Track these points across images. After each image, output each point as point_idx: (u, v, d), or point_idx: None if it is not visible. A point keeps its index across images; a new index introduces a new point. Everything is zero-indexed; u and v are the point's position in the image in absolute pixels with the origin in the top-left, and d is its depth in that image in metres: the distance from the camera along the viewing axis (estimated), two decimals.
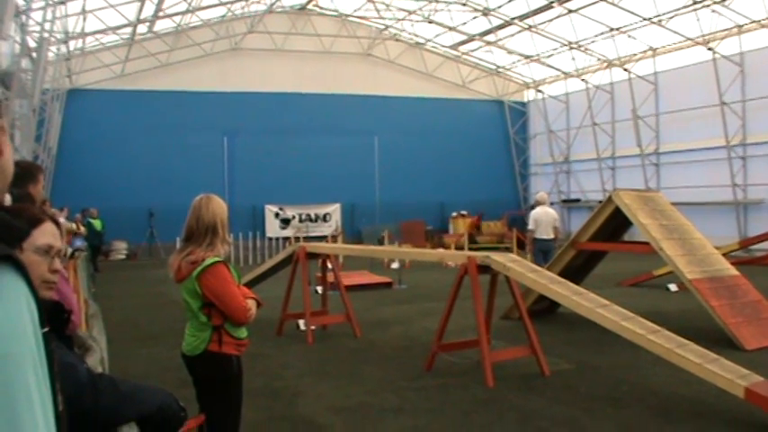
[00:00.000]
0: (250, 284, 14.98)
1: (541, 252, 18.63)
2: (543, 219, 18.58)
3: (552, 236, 18.56)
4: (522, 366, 10.36)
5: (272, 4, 36.94)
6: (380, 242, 31.42)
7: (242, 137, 38.01)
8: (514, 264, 10.06)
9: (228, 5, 34.61)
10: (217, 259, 5.30)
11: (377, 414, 8.49)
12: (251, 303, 5.40)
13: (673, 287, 18.70)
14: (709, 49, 30.63)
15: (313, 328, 13.14)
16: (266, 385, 9.77)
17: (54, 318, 2.91)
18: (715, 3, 28.49)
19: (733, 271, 13.38)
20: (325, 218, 39.42)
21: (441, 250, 12.52)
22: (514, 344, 11.44)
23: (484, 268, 10.14)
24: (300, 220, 38.86)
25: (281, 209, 38.58)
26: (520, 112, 45.02)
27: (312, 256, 13.75)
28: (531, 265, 10.51)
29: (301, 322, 13.45)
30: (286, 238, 35.28)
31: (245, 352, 5.55)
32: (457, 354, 10.76)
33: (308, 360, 11.48)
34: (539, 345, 10.28)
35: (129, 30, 34.29)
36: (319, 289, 15.94)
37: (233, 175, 37.82)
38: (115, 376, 2.92)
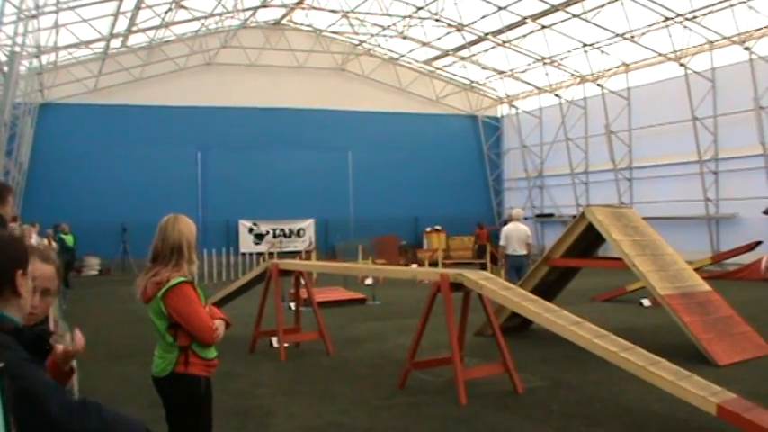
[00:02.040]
0: (223, 301, 14.98)
1: (514, 268, 18.64)
2: (515, 234, 18.58)
3: (525, 251, 18.56)
4: (496, 384, 10.33)
5: (246, 20, 36.91)
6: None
7: (216, 152, 37.86)
8: (487, 281, 10.06)
9: (202, 21, 34.51)
10: (182, 279, 5.25)
11: None
12: (218, 324, 5.35)
13: (646, 302, 18.78)
14: (681, 64, 30.81)
15: (286, 345, 13.05)
16: (238, 404, 9.68)
17: (36, 347, 2.91)
18: (687, 19, 28.66)
19: (705, 287, 13.44)
20: (299, 233, 39.33)
21: (414, 267, 12.49)
22: (488, 361, 11.43)
23: (457, 285, 10.12)
24: (274, 236, 38.72)
25: (254, 224, 38.46)
26: (493, 127, 45.10)
27: (285, 272, 13.67)
28: (503, 283, 10.50)
29: (274, 339, 13.39)
30: (260, 254, 35.16)
31: (214, 372, 5.49)
32: (430, 371, 10.72)
33: (281, 378, 11.40)
34: (512, 362, 10.26)
35: (102, 44, 34.17)
36: (292, 305, 15.87)
37: (206, 190, 37.66)
38: (99, 403, 2.88)
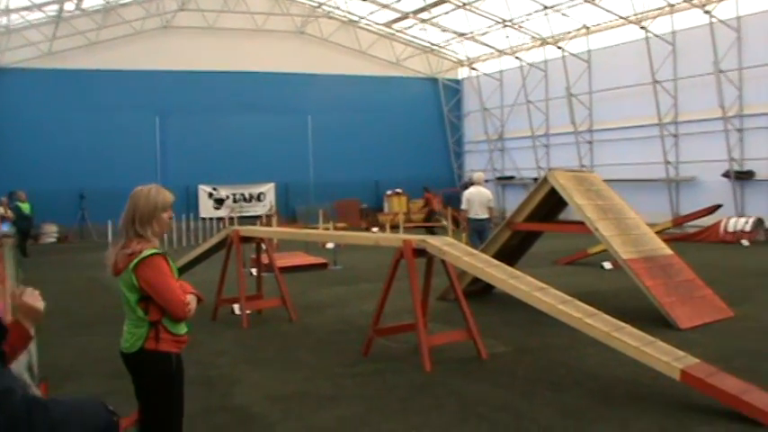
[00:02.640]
0: (183, 269, 14.81)
1: (476, 232, 18.67)
2: (476, 198, 18.59)
3: (486, 215, 18.60)
4: (460, 349, 10.31)
5: None
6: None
7: (174, 116, 37.50)
8: (450, 247, 9.99)
9: None
10: (154, 251, 5.11)
11: (314, 403, 8.37)
12: (191, 298, 5.24)
13: (607, 265, 18.90)
14: (642, 27, 30.80)
15: (248, 312, 12.95)
16: (201, 374, 9.58)
17: None
18: None
19: (667, 250, 13.50)
20: (259, 197, 39.11)
21: (377, 234, 12.40)
22: (451, 326, 11.41)
23: (420, 252, 10.06)
24: (234, 200, 38.51)
25: (214, 189, 38.18)
26: (454, 89, 45.02)
27: (247, 239, 13.55)
28: (467, 249, 10.43)
29: (236, 307, 13.29)
30: (220, 219, 34.95)
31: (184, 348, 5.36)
32: (394, 338, 10.67)
33: (244, 346, 11.32)
34: (476, 327, 10.23)
35: (55, 7, 33.54)
36: (254, 271, 15.79)
37: (165, 155, 37.34)
38: (49, 400, 2.74)
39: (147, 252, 5.07)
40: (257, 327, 12.71)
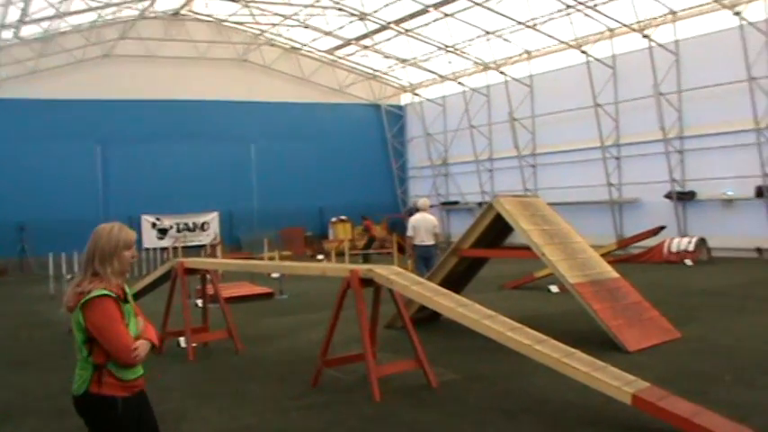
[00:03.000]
0: None
1: (422, 258, 18.64)
2: (422, 225, 18.59)
3: (433, 242, 18.59)
4: (410, 378, 10.22)
5: (145, 10, 36.16)
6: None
7: (116, 146, 37.12)
8: (398, 276, 9.92)
9: (99, 11, 33.66)
10: (103, 292, 4.90)
11: None
12: (141, 344, 5.02)
13: (554, 288, 18.94)
14: (583, 52, 31.17)
15: (194, 345, 12.76)
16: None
17: None
18: (588, 7, 28.95)
19: (613, 273, 13.56)
20: (203, 227, 38.79)
21: (323, 264, 12.29)
22: (400, 354, 11.33)
23: (367, 281, 9.98)
24: (178, 230, 38.17)
25: (157, 219, 37.79)
26: (397, 115, 45.17)
27: (192, 271, 13.36)
28: (414, 278, 10.36)
29: (182, 339, 13.07)
30: (164, 249, 34.60)
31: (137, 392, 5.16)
32: (343, 368, 10.56)
33: (191, 380, 11.13)
34: (424, 356, 10.16)
35: None
36: (199, 302, 15.59)
37: (108, 185, 36.93)
38: None
39: (95, 293, 4.88)
40: (204, 359, 12.52)
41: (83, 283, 4.95)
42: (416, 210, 19.72)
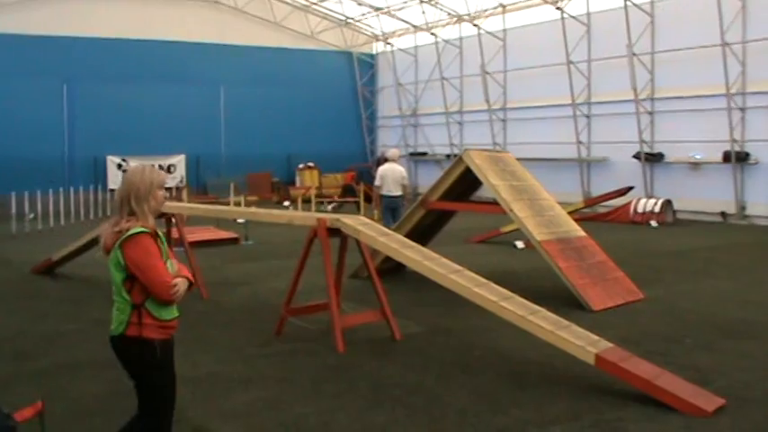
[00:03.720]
0: (90, 244, 14.45)
1: (389, 209, 18.65)
2: (389, 175, 18.57)
3: (399, 192, 18.57)
4: (373, 330, 10.22)
5: None
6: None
7: (82, 84, 36.54)
8: (365, 227, 9.87)
9: None
10: (141, 230, 5.02)
11: (225, 385, 8.22)
12: (179, 281, 5.14)
13: (520, 244, 19.01)
14: (558, 8, 30.98)
15: None
16: (109, 355, 9.27)
17: None
18: None
19: (580, 232, 13.60)
20: (169, 169, 38.43)
21: (290, 212, 12.21)
22: (365, 305, 11.31)
23: (334, 231, 9.92)
24: None
25: (123, 160, 37.36)
26: (368, 64, 44.84)
27: (158, 215, 13.20)
28: (381, 229, 10.33)
29: None
30: None
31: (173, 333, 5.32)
32: (307, 318, 10.52)
33: None
34: (389, 308, 10.16)
35: None
36: None
37: (73, 124, 36.43)
38: None
39: (134, 230, 5.00)
40: None
41: (120, 222, 5.07)
42: (385, 160, 19.66)
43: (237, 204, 25.79)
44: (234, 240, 20.73)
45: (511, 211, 12.88)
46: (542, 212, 13.36)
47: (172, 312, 5.23)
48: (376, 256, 12.75)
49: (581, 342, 8.02)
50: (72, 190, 27.67)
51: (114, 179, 36.29)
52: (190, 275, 5.34)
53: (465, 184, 14.37)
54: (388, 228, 12.10)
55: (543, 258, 12.64)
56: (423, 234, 14.64)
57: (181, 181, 37.27)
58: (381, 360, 9.09)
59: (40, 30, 35.13)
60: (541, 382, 8.22)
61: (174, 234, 13.66)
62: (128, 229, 4.99)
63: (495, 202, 13.48)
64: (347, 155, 41.48)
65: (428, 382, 8.23)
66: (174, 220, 13.47)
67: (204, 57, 39.09)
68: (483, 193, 15.62)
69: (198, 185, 38.26)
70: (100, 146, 36.30)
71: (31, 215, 24.07)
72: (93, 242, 14.73)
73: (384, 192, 18.62)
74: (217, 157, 38.98)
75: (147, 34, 37.50)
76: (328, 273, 9.72)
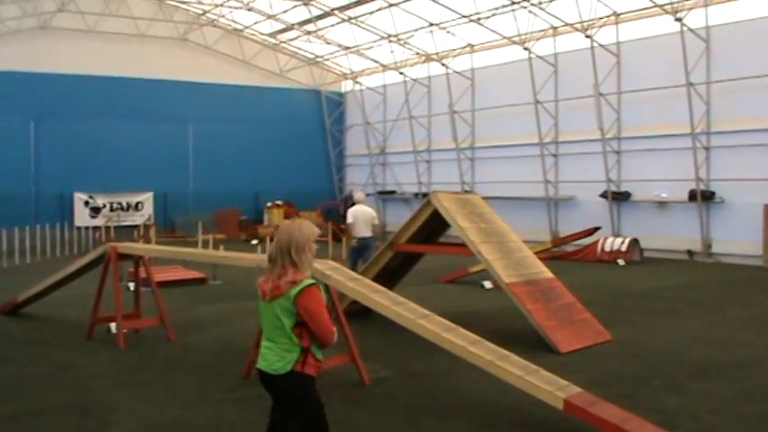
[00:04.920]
0: (58, 284, 14.34)
1: (360, 250, 18.72)
2: (361, 216, 18.70)
3: (370, 233, 18.66)
4: (342, 374, 10.17)
5: None
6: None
7: (50, 121, 36.44)
8: (334, 272, 9.89)
9: None
10: (313, 282, 5.56)
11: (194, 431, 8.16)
12: (334, 329, 5.68)
13: (487, 284, 19.00)
14: (525, 48, 31.24)
15: (125, 331, 12.56)
16: (77, 400, 9.26)
17: None
18: (532, 5, 29.05)
19: (548, 274, 13.65)
20: (137, 206, 38.33)
21: (259, 256, 12.19)
22: (332, 347, 11.25)
23: None
24: (111, 209, 37.67)
25: (90, 197, 37.23)
26: (337, 102, 45.02)
27: (125, 256, 13.17)
28: (350, 274, 10.34)
29: (113, 325, 12.84)
30: (96, 228, 34.21)
31: None
32: None
33: (121, 369, 10.96)
34: (357, 351, 10.16)
35: None
36: (131, 285, 15.41)
37: (40, 160, 36.24)
38: None
39: (307, 282, 5.52)
40: (135, 347, 12.31)
41: (287, 274, 5.54)
42: (353, 203, 19.76)
43: (206, 242, 25.66)
44: (201, 280, 20.64)
45: (479, 253, 12.94)
46: (510, 254, 13.42)
47: (321, 354, 5.76)
48: (344, 298, 12.73)
49: (550, 387, 8.05)
50: (38, 227, 27.48)
51: (81, 216, 36.26)
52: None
53: (433, 226, 14.43)
54: (354, 269, 12.11)
55: (511, 299, 12.68)
56: (391, 275, 14.67)
57: (148, 219, 37.12)
58: (350, 405, 9.06)
59: (7, 66, 35.00)
60: (511, 427, 8.24)
61: (142, 274, 13.58)
62: (300, 281, 5.49)
63: (463, 245, 13.53)
64: (315, 192, 41.56)
65: (398, 428, 8.22)
66: (141, 260, 13.40)
67: (173, 94, 39.12)
68: (452, 232, 15.68)
69: (165, 223, 38.14)
70: (67, 182, 36.22)
71: None
72: (60, 283, 14.68)
73: (355, 233, 18.72)
74: (184, 195, 38.89)
75: (115, 71, 37.51)
76: None
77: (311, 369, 5.64)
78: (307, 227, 5.74)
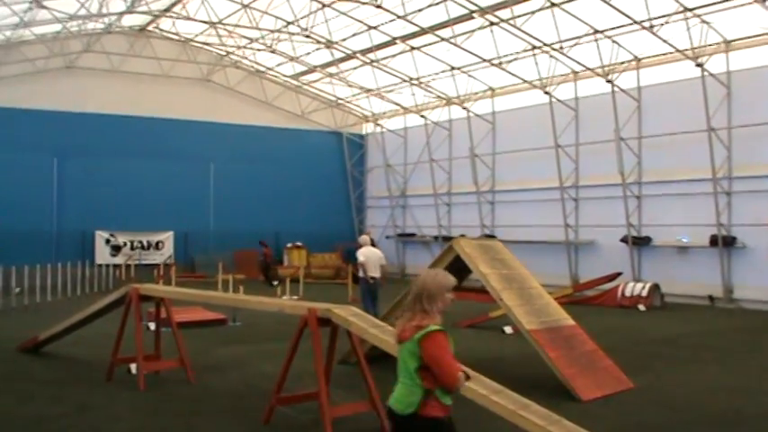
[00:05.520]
0: (78, 325, 14.37)
1: (371, 291, 19.15)
2: (371, 257, 19.02)
3: (379, 274, 19.05)
4: (363, 420, 10.13)
5: (110, 24, 36.00)
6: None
7: (74, 159, 36.74)
8: (356, 318, 9.86)
9: (64, 22, 33.25)
10: (438, 328, 5.62)
11: None
12: (461, 375, 5.69)
13: (508, 330, 18.92)
14: (546, 92, 31.30)
15: (145, 372, 12.54)
16: None
17: None
18: (553, 49, 29.12)
19: (569, 321, 13.58)
20: (157, 245, 38.48)
21: (281, 300, 12.17)
22: (353, 391, 11.23)
23: (325, 320, 9.91)
24: (132, 248, 37.81)
25: (112, 235, 37.41)
26: (358, 144, 45.18)
27: (146, 297, 13.19)
28: (373, 320, 10.30)
29: (133, 366, 12.84)
30: (117, 266, 34.34)
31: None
32: (295, 406, 10.44)
33: (140, 411, 10.94)
34: (378, 397, 10.06)
35: None
36: (152, 325, 15.42)
37: (62, 198, 36.51)
38: None
39: (431, 327, 5.61)
40: (155, 389, 12.31)
41: (415, 319, 5.69)
42: (359, 246, 20.23)
43: (226, 282, 25.71)
44: (221, 321, 20.61)
45: (501, 299, 12.91)
46: (532, 301, 13.37)
47: (449, 399, 5.75)
48: (365, 342, 12.70)
49: None
50: (60, 264, 27.57)
51: (102, 254, 36.39)
52: (464, 368, 5.96)
53: (455, 271, 14.34)
54: (368, 311, 12.12)
55: (532, 345, 12.62)
56: None
57: (169, 258, 37.23)
58: None
59: (33, 104, 35.38)
60: None
61: (163, 313, 13.58)
62: (426, 326, 5.59)
63: (485, 290, 13.51)
64: (335, 234, 41.55)
65: None
66: (162, 301, 13.42)
67: (195, 134, 39.40)
68: (473, 276, 15.64)
69: (186, 261, 38.22)
70: (89, 221, 36.44)
71: (17, 289, 23.97)
72: (81, 323, 14.71)
73: (369, 273, 19.03)
74: (205, 234, 38.99)
75: (138, 111, 37.87)
76: (318, 363, 9.68)
77: (435, 411, 5.66)
78: (442, 277, 5.87)
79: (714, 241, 26.56)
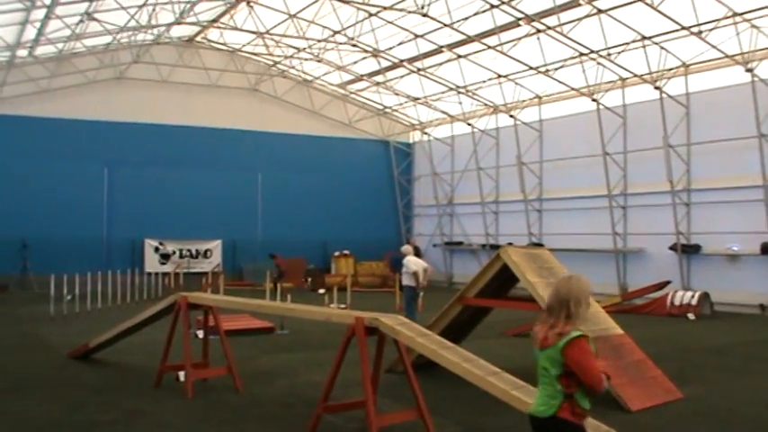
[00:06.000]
0: (127, 332, 14.50)
1: (413, 298, 19.42)
2: (420, 265, 19.34)
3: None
4: (409, 429, 10.11)
5: (159, 36, 36.39)
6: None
7: (123, 168, 37.20)
8: (403, 327, 9.86)
9: (114, 34, 33.68)
10: (581, 334, 5.63)
11: None
12: (604, 377, 5.70)
13: None
14: (594, 100, 31.16)
15: (193, 380, 12.63)
16: None
17: None
18: (600, 56, 29.00)
19: (618, 330, 13.46)
20: (206, 254, 38.78)
21: (328, 309, 12.28)
22: (400, 400, 11.24)
23: (372, 329, 9.91)
24: (181, 256, 38.13)
25: (161, 243, 37.78)
26: (405, 153, 45.24)
27: (194, 306, 13.29)
28: (420, 329, 10.29)
29: (182, 374, 12.92)
30: (165, 274, 34.62)
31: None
32: (342, 415, 10.46)
33: (189, 418, 11.01)
34: (425, 406, 10.06)
35: (8, 53, 33.18)
36: (200, 333, 15.51)
37: (112, 207, 36.95)
38: None
39: (575, 334, 5.60)
40: (202, 396, 12.39)
41: (559, 325, 5.69)
42: (403, 255, 20.55)
43: (273, 291, 25.82)
44: (269, 330, 20.69)
45: None
46: None
47: (588, 403, 5.75)
48: (412, 351, 12.71)
49: None
50: (110, 272, 27.85)
51: (151, 262, 36.70)
52: (606, 371, 5.82)
53: (502, 280, 14.36)
54: (410, 318, 12.16)
55: None
56: (460, 329, 14.60)
57: (217, 266, 37.47)
58: None
59: (85, 114, 35.93)
60: None
61: (210, 322, 13.67)
62: (569, 333, 5.59)
63: (532, 299, 13.44)
64: (383, 243, 41.54)
65: None
66: (210, 310, 13.51)
67: (243, 143, 39.73)
68: (521, 285, 15.59)
69: (233, 270, 38.46)
70: (138, 229, 36.87)
71: (69, 297, 24.21)
72: (130, 330, 14.86)
73: (406, 282, 19.49)
74: (252, 243, 39.19)
75: (187, 120, 38.26)
76: (365, 371, 9.67)
77: (574, 416, 5.70)
78: (585, 281, 5.89)
79: (765, 249, 26.22)
